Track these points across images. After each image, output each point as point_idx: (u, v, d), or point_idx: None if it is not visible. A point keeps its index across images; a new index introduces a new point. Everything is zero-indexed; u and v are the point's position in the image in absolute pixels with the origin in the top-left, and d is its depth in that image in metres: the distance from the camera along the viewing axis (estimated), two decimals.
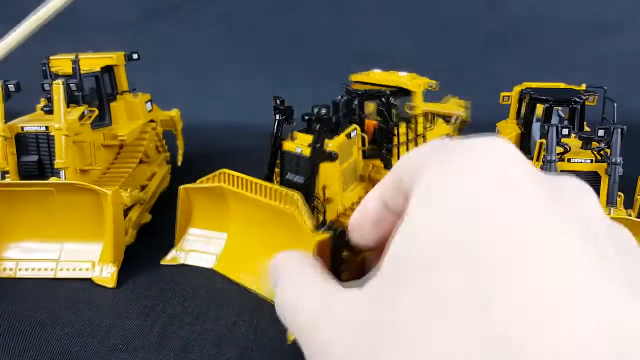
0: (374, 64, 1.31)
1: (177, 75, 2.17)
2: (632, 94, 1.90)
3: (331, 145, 1.03)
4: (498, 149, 0.27)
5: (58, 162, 1.03)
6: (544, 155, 1.00)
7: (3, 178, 1.05)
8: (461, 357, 0.21)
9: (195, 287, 0.95)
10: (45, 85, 1.13)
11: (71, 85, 1.12)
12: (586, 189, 0.29)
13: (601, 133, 1.00)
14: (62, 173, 1.04)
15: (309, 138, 1.03)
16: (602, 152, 1.01)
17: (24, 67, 1.36)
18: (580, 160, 1.01)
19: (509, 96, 1.37)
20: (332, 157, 1.03)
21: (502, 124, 1.38)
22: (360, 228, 0.34)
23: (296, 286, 0.31)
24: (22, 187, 0.99)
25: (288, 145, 1.06)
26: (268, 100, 1.11)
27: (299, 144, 1.05)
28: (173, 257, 1.05)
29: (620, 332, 0.20)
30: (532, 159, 1.04)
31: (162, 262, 1.04)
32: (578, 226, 0.24)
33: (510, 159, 0.27)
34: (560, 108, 1.21)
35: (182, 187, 1.05)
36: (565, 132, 0.99)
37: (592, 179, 1.01)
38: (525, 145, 1.25)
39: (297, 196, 0.88)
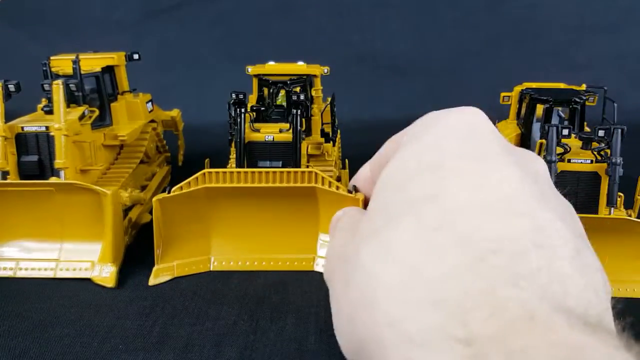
0: (374, 64, 1.32)
1: (178, 75, 2.17)
2: (632, 94, 1.90)
3: (304, 127, 1.13)
4: (471, 112, 0.34)
5: (58, 162, 1.03)
6: (544, 156, 1.00)
7: (3, 178, 1.05)
8: (421, 241, 0.27)
9: (195, 287, 0.95)
10: (45, 85, 1.13)
11: (70, 85, 1.12)
12: (540, 159, 0.35)
13: (601, 133, 1.00)
14: (62, 173, 1.04)
15: (272, 125, 1.13)
16: (602, 152, 1.01)
17: (24, 67, 1.36)
18: (580, 161, 1.01)
19: (509, 96, 1.37)
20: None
21: (502, 124, 1.38)
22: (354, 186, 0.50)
23: (344, 221, 0.41)
24: (22, 186, 0.99)
25: (253, 136, 1.11)
26: None
27: (267, 132, 1.11)
28: (157, 273, 0.98)
29: (542, 239, 0.26)
30: None
31: (150, 284, 0.96)
32: (523, 168, 0.30)
33: (480, 119, 0.33)
34: (560, 108, 1.21)
35: (155, 198, 0.96)
36: (565, 132, 0.99)
37: (592, 179, 1.01)
38: (525, 145, 1.24)
39: (316, 171, 0.96)
